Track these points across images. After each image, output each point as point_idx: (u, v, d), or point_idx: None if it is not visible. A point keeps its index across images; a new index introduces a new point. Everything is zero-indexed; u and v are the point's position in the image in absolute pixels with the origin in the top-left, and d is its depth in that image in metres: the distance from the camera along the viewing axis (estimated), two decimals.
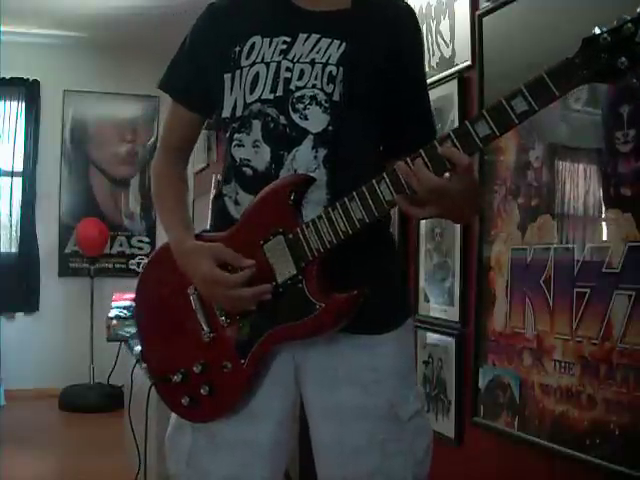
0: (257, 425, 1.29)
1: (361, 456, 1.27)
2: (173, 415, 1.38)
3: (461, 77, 2.21)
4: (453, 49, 2.26)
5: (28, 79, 5.57)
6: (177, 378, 1.30)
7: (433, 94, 2.32)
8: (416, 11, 2.59)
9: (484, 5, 2.09)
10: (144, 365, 1.40)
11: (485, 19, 2.06)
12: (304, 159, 1.22)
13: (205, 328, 1.28)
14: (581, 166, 1.71)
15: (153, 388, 1.42)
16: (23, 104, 5.58)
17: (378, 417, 1.27)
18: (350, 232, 1.16)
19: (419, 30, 1.39)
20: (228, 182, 1.32)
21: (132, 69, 5.48)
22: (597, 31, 1.01)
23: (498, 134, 1.07)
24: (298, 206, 1.22)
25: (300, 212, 1.22)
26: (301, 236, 1.19)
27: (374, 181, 1.14)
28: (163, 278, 1.37)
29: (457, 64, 2.23)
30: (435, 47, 2.37)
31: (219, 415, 1.29)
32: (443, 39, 2.32)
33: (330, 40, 1.24)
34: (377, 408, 1.27)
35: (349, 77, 1.23)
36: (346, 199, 1.16)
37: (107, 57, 5.60)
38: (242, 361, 1.24)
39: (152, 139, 5.82)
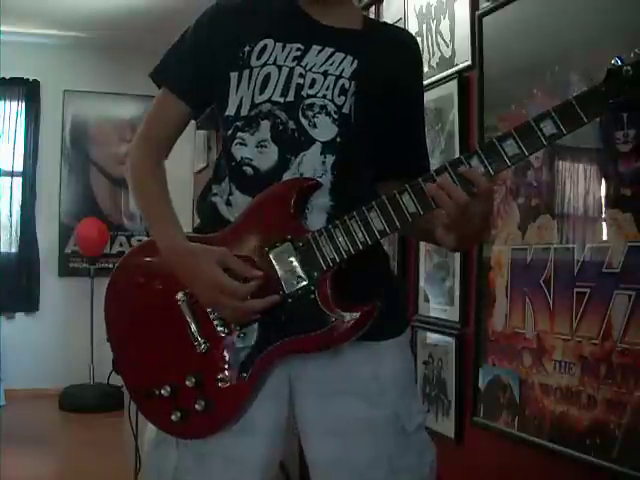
0: (249, 441, 1.22)
1: (367, 472, 1.22)
2: (150, 430, 1.28)
3: (461, 77, 2.21)
4: (453, 49, 2.26)
5: (28, 79, 5.57)
6: (165, 392, 1.20)
7: (433, 94, 2.34)
8: (416, 11, 2.61)
9: (484, 5, 2.08)
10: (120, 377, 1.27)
11: (485, 19, 2.06)
12: (312, 164, 1.20)
13: (199, 338, 1.19)
14: (581, 166, 1.71)
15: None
16: (23, 104, 5.58)
17: (384, 430, 1.23)
18: (369, 243, 1.14)
19: (422, 61, 1.41)
20: (219, 181, 1.28)
21: (132, 69, 5.46)
22: (618, 62, 1.06)
23: (527, 154, 1.08)
24: (302, 211, 1.19)
25: (305, 218, 1.20)
26: (313, 244, 1.15)
27: (396, 192, 1.12)
28: (143, 281, 1.26)
29: (457, 64, 2.23)
30: (435, 47, 2.36)
31: (215, 430, 1.20)
32: (443, 39, 2.32)
33: (343, 55, 1.25)
34: (383, 420, 1.23)
35: (361, 92, 1.23)
36: (364, 209, 1.13)
37: (107, 57, 5.60)
38: (243, 374, 1.17)
39: None
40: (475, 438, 2.12)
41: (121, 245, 5.82)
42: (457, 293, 2.21)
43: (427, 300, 2.40)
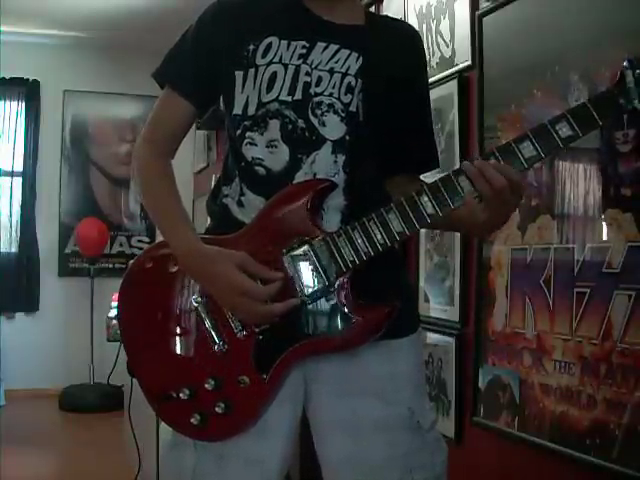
0: (268, 443, 1.22)
1: (381, 471, 1.22)
2: (166, 432, 1.28)
3: (461, 77, 2.21)
4: (453, 49, 2.26)
5: (28, 79, 5.58)
6: (183, 395, 1.19)
7: (433, 94, 2.31)
8: (416, 11, 2.61)
9: (484, 5, 2.08)
10: (137, 382, 1.26)
11: (485, 19, 2.06)
12: (324, 163, 1.20)
13: (217, 340, 1.18)
14: (581, 166, 1.71)
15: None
16: (23, 104, 5.58)
17: (399, 427, 1.23)
18: (388, 244, 1.13)
19: (424, 52, 1.41)
20: (229, 182, 1.27)
21: (132, 69, 5.47)
22: (627, 65, 1.07)
23: (543, 156, 1.09)
24: (319, 212, 1.19)
25: (321, 218, 1.19)
26: (332, 245, 1.14)
27: (413, 193, 1.12)
28: (158, 283, 1.25)
29: (457, 64, 2.23)
30: (435, 47, 2.36)
31: (235, 433, 1.19)
32: (443, 39, 2.32)
33: (349, 52, 1.24)
34: (398, 418, 1.23)
35: (367, 89, 1.23)
36: (383, 210, 1.13)
37: (107, 57, 5.60)
38: (263, 375, 1.16)
39: None
40: (475, 438, 2.12)
41: (121, 245, 5.82)
42: (457, 293, 2.21)
43: (427, 300, 2.40)
